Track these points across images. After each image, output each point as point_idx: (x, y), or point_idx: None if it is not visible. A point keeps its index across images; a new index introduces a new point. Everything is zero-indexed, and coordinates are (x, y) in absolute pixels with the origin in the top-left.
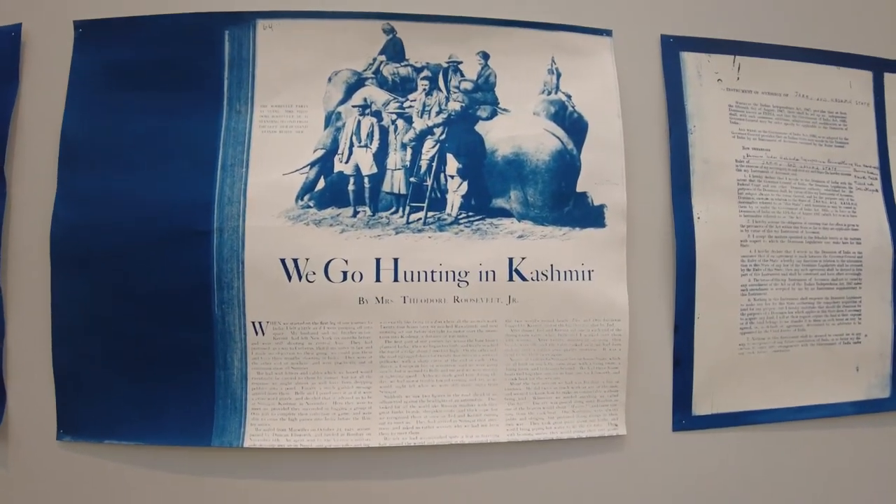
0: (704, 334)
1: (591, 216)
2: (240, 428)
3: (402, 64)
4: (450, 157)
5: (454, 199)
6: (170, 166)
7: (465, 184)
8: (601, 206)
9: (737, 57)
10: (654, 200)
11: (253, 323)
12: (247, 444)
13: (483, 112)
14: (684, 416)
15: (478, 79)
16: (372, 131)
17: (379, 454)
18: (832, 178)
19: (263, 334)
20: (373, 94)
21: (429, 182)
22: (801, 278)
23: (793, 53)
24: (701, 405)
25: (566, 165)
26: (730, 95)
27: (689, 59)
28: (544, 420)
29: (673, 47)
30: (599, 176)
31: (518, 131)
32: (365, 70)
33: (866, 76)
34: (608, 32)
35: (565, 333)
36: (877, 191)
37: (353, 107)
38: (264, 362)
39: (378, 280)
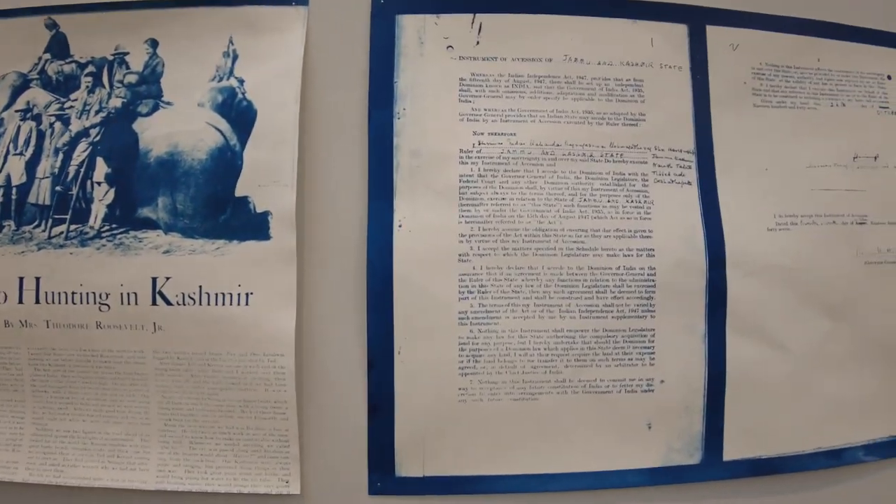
0: (409, 374)
1: (252, 226)
2: None
3: (67, 61)
4: (99, 161)
5: (99, 209)
6: None
7: (113, 191)
8: (265, 214)
9: (477, 15)
10: (345, 205)
11: None
12: None
13: (144, 107)
14: (383, 478)
15: (144, 70)
16: (29, 137)
17: (26, 491)
18: (615, 167)
19: None
20: (37, 96)
21: (74, 190)
22: (554, 304)
23: (563, 5)
24: (408, 465)
25: (226, 165)
26: (462, 66)
27: (408, 24)
28: (201, 469)
29: (386, 10)
30: (265, 176)
31: (178, 126)
32: (30, 71)
33: (679, 30)
34: (303, 1)
35: (220, 369)
36: (689, 183)
37: (16, 112)
38: None
39: (21, 301)
